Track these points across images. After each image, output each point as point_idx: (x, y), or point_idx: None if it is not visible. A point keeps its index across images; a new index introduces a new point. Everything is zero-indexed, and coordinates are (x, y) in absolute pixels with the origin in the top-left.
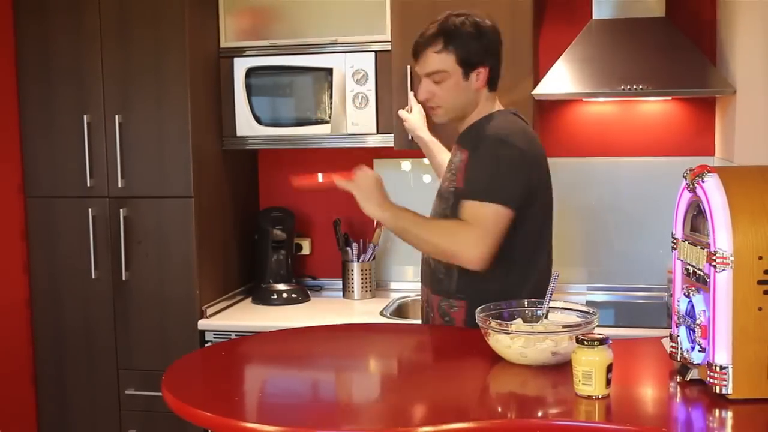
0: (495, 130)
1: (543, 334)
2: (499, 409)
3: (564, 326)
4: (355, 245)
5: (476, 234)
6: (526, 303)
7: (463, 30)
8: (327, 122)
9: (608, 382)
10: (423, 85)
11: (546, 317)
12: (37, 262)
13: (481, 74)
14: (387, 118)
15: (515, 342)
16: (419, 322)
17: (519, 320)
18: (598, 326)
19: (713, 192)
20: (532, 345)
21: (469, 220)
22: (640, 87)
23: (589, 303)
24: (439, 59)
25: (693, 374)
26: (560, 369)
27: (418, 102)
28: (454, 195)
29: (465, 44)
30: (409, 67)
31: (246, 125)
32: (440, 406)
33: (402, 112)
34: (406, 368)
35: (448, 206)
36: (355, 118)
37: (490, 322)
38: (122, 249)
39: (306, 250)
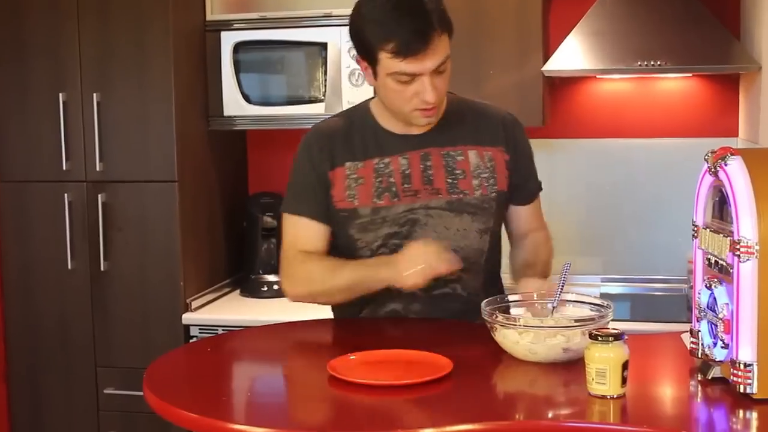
0: (496, 109)
1: (553, 329)
2: (506, 410)
3: (576, 320)
4: None
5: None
6: (535, 295)
7: None
8: (321, 101)
9: (624, 380)
10: (428, 83)
11: (556, 311)
12: (8, 251)
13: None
14: None
15: (524, 337)
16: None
17: (528, 314)
18: (612, 320)
19: (737, 176)
20: (541, 341)
21: (543, 222)
22: (658, 63)
23: (603, 295)
24: (445, 42)
25: (715, 372)
26: (572, 367)
27: (428, 104)
28: (497, 201)
29: (446, 14)
30: None
31: (234, 104)
32: (442, 406)
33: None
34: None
35: (490, 217)
36: (351, 97)
37: (496, 316)
38: (101, 237)
39: None
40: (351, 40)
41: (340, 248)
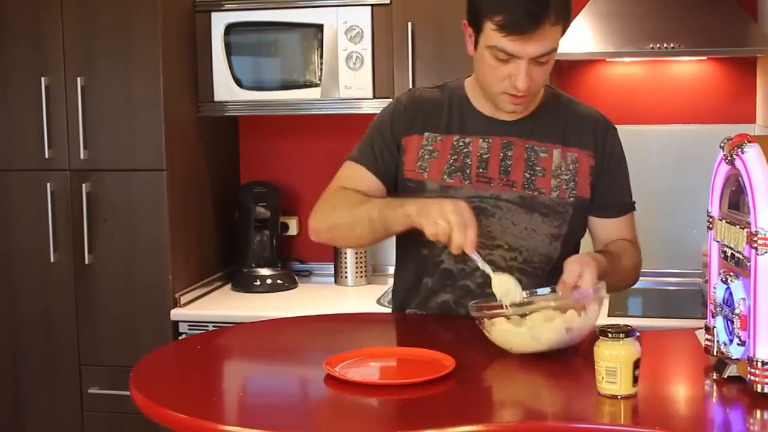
0: (590, 110)
1: (561, 306)
2: (511, 411)
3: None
4: None
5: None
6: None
7: None
8: (317, 85)
9: (635, 379)
10: (524, 69)
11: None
12: None
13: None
14: (385, 82)
15: (522, 326)
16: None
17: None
18: (623, 316)
19: (754, 164)
20: (541, 325)
21: (636, 240)
22: (671, 45)
23: None
24: (555, 34)
25: (731, 371)
26: (581, 365)
27: (519, 92)
28: (575, 207)
29: (568, 7)
30: (410, 23)
31: (225, 89)
32: (443, 407)
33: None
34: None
35: (564, 223)
36: (348, 81)
37: (491, 310)
38: (85, 229)
39: (293, 230)
40: (467, 2)
41: None
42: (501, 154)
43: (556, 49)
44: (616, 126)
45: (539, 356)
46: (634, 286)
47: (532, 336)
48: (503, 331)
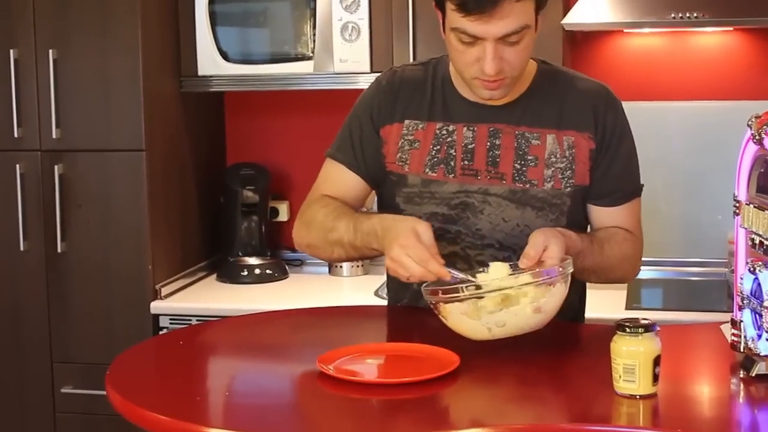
0: (589, 84)
1: (538, 281)
2: (522, 411)
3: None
4: None
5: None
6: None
7: None
8: (309, 58)
9: (655, 378)
10: (491, 51)
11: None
12: None
13: (541, 14)
14: (383, 54)
15: (483, 310)
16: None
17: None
18: (643, 309)
19: None
20: (514, 304)
21: (637, 230)
22: (695, 15)
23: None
24: (522, 9)
25: (759, 368)
26: (595, 362)
27: (487, 76)
28: (573, 197)
29: None
30: None
31: (210, 62)
32: (449, 408)
33: None
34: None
35: (562, 216)
36: (343, 54)
37: (447, 293)
38: (57, 215)
39: (283, 216)
40: None
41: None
42: (488, 143)
43: (529, 26)
44: (634, 103)
45: (549, 353)
46: (654, 277)
47: (497, 322)
48: (461, 318)
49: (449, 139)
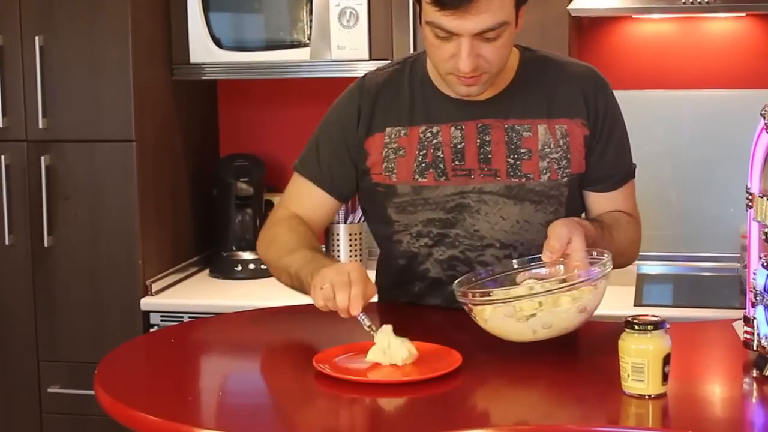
0: (578, 68)
1: (578, 283)
2: (526, 412)
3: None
4: None
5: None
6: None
7: None
8: (306, 45)
9: (665, 377)
10: (466, 48)
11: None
12: None
13: (523, 9)
14: (383, 41)
15: (526, 312)
16: None
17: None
18: (652, 306)
19: None
20: (555, 306)
21: (635, 213)
22: (706, 0)
23: (641, 276)
24: (500, 5)
25: None
26: (602, 360)
27: (462, 74)
28: (570, 187)
29: None
30: None
31: (202, 49)
32: (452, 408)
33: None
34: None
35: (561, 207)
36: (341, 40)
37: (484, 296)
38: (44, 207)
39: None
40: None
41: (378, 229)
42: (478, 140)
43: (507, 23)
44: (643, 91)
45: (555, 350)
46: (663, 272)
47: (543, 324)
48: (505, 321)
49: (434, 141)
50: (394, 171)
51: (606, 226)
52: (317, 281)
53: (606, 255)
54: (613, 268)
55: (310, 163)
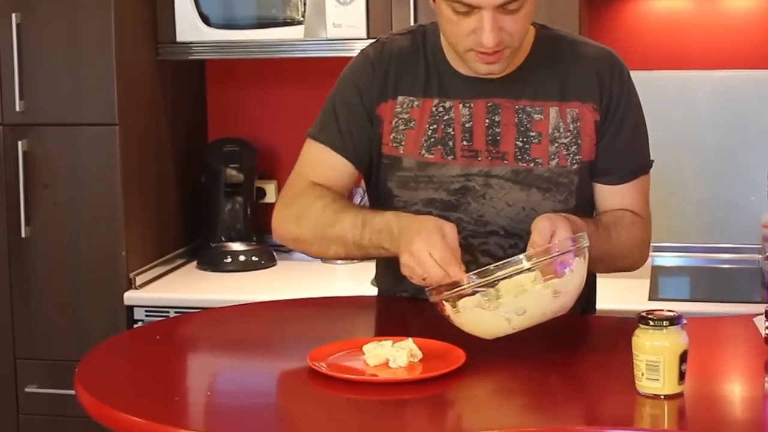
0: (593, 49)
1: (548, 258)
2: (534, 413)
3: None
4: None
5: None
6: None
7: None
8: (299, 23)
9: (681, 376)
10: (489, 21)
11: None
12: None
13: None
14: (381, 19)
15: (498, 299)
16: None
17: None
18: (668, 300)
19: None
20: (531, 291)
21: (644, 213)
22: None
23: (656, 269)
24: None
25: None
26: (614, 358)
27: (485, 49)
28: (581, 175)
29: None
30: None
31: (189, 28)
32: (454, 409)
33: None
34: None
35: (570, 195)
36: (337, 18)
37: (450, 289)
38: (21, 195)
39: (271, 197)
40: None
41: (377, 206)
42: (487, 121)
43: None
44: (659, 72)
45: (565, 347)
46: (680, 264)
47: (516, 309)
48: (475, 312)
49: (446, 117)
50: (402, 143)
51: (602, 225)
52: (416, 252)
53: (580, 234)
54: (615, 271)
55: (329, 128)
